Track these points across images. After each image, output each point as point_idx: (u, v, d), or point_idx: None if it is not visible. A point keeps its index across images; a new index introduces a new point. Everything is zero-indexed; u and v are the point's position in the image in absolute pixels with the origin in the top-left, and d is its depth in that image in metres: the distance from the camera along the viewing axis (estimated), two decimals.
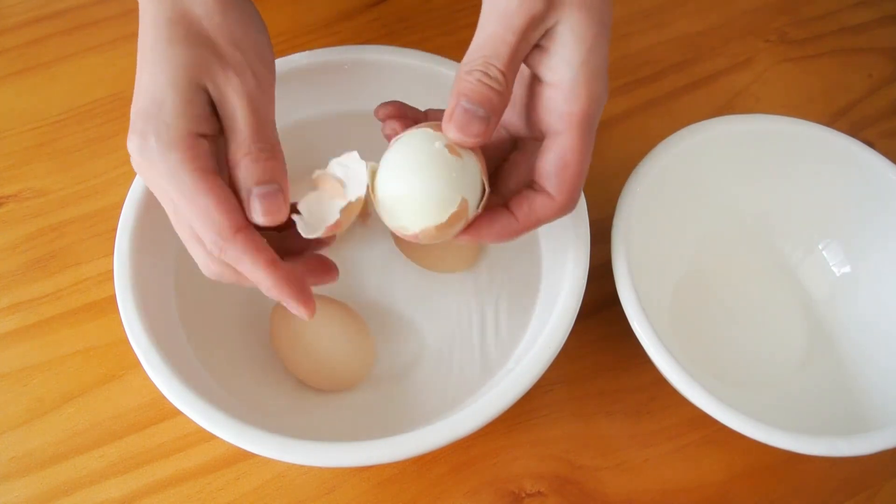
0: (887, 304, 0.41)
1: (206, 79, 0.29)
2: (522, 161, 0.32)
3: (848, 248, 0.43)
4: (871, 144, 0.42)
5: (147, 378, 0.33)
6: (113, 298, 0.35)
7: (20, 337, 0.43)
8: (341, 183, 0.30)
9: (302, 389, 0.40)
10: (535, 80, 0.30)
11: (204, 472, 0.39)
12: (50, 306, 0.44)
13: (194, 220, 0.28)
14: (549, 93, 0.29)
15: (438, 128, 0.29)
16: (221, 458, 0.40)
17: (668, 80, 0.53)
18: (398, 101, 0.33)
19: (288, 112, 0.40)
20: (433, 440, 0.32)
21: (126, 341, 0.34)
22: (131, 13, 0.53)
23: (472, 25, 0.29)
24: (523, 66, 0.30)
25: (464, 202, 0.29)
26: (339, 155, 0.31)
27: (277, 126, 0.32)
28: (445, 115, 0.29)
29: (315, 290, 0.41)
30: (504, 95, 0.28)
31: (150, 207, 0.37)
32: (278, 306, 0.40)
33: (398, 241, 0.44)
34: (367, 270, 0.44)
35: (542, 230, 0.40)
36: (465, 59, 0.29)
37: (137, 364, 0.33)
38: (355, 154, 0.31)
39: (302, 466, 0.39)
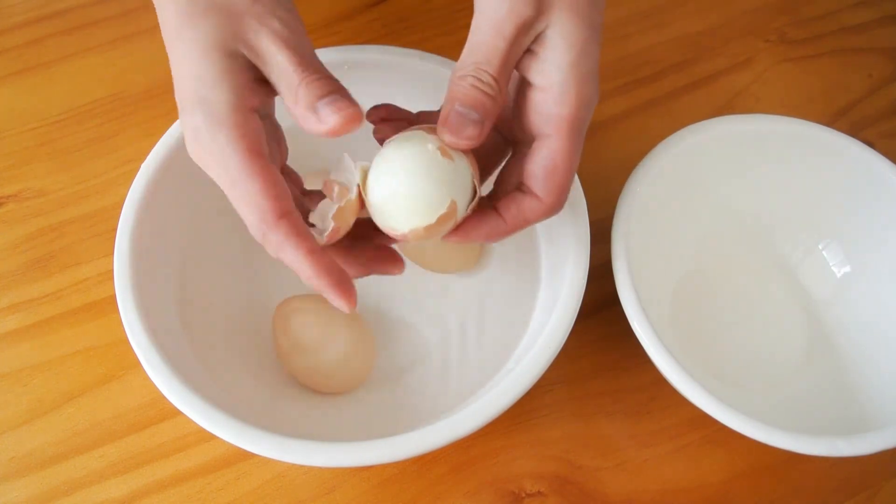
0: (887, 304, 0.41)
1: (237, 43, 0.28)
2: (516, 164, 0.32)
3: (848, 248, 0.43)
4: (871, 144, 0.42)
5: (147, 378, 0.33)
6: (113, 298, 0.35)
7: (20, 337, 0.43)
8: (346, 188, 0.30)
9: (302, 389, 0.40)
10: (525, 84, 0.30)
11: (204, 472, 0.39)
12: (50, 306, 0.44)
13: (239, 203, 0.28)
14: (539, 96, 0.29)
15: (431, 130, 0.29)
16: (221, 458, 0.40)
17: (668, 80, 0.53)
18: (390, 104, 0.33)
19: (288, 113, 0.40)
20: (433, 440, 0.32)
21: (126, 341, 0.34)
22: (131, 13, 0.54)
23: None
24: (515, 70, 0.30)
25: (453, 204, 0.29)
26: (338, 158, 0.31)
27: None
28: (440, 120, 0.29)
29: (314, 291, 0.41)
30: (496, 100, 0.29)
31: (151, 207, 0.37)
32: (281, 307, 0.40)
33: (412, 243, 0.44)
34: None
35: (542, 231, 0.40)
36: (458, 65, 0.29)
37: (137, 364, 0.33)
38: (346, 156, 0.31)
39: (302, 466, 0.39)
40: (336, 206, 0.29)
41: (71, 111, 0.50)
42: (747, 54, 0.54)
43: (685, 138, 0.41)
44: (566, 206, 0.37)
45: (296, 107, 0.28)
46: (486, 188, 0.33)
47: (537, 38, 0.29)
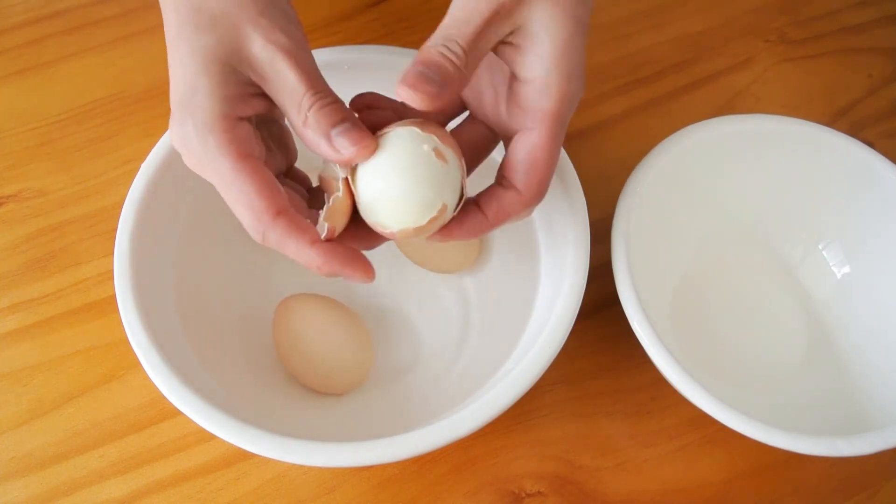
0: (887, 304, 0.41)
1: (238, 60, 0.28)
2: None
3: (848, 248, 0.43)
4: (871, 144, 0.42)
5: (147, 378, 0.33)
6: (113, 298, 0.35)
7: (20, 337, 0.43)
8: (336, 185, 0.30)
9: (302, 389, 0.40)
10: (512, 78, 0.30)
11: (204, 472, 0.39)
12: (50, 306, 0.44)
13: (234, 206, 0.28)
14: (523, 89, 0.29)
15: (426, 128, 0.29)
16: (221, 458, 0.40)
17: (668, 80, 0.53)
18: (374, 92, 0.33)
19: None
20: (433, 440, 0.32)
21: (126, 341, 0.34)
22: (131, 13, 0.54)
23: None
24: (503, 65, 0.30)
25: (444, 207, 0.29)
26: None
27: None
28: (398, 80, 0.28)
29: (315, 290, 0.41)
30: (461, 70, 0.28)
31: (150, 207, 0.37)
32: (281, 306, 0.40)
33: (399, 241, 0.44)
34: None
35: (542, 231, 0.40)
36: (430, 39, 0.29)
37: (137, 364, 0.33)
38: None
39: (302, 466, 0.39)
40: (325, 206, 0.29)
41: (71, 111, 0.50)
42: (747, 54, 0.54)
43: (685, 138, 0.41)
44: (566, 206, 0.37)
45: (304, 129, 0.28)
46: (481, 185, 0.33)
47: (521, 32, 0.29)
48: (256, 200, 0.28)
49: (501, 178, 0.31)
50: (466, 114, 0.34)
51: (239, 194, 0.28)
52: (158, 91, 0.50)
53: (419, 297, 0.44)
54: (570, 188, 0.38)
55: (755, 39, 0.55)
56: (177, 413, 0.32)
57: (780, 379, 0.42)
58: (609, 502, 0.39)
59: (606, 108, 0.52)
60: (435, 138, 0.29)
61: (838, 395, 0.40)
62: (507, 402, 0.33)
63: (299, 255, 0.28)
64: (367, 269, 0.29)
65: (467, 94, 0.33)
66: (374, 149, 0.28)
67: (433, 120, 0.31)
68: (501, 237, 0.44)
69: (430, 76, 0.28)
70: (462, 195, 0.30)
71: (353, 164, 0.29)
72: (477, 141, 0.33)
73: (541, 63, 0.28)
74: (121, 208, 0.36)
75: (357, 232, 0.31)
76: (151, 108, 0.50)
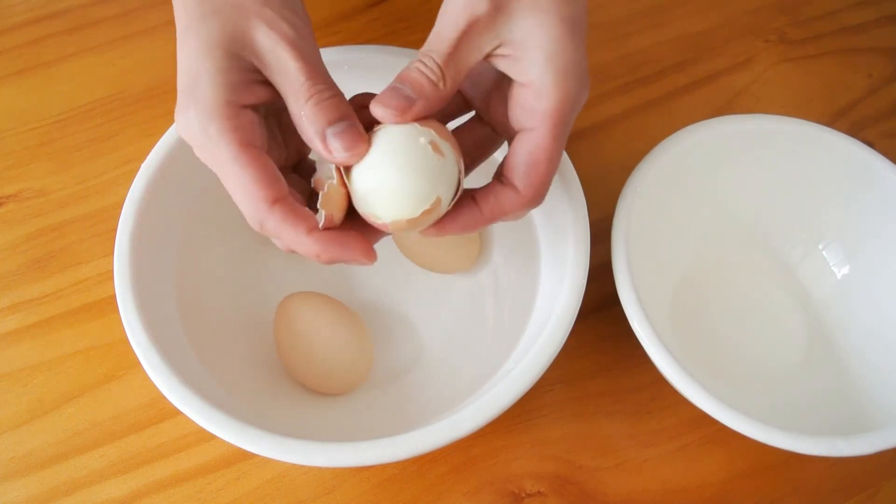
0: (887, 304, 0.41)
1: (241, 46, 0.28)
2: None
3: (848, 248, 0.43)
4: (871, 144, 0.42)
5: (147, 378, 0.33)
6: (113, 298, 0.35)
7: (20, 337, 0.43)
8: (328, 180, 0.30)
9: (302, 389, 0.40)
10: (514, 84, 0.30)
11: (204, 472, 0.39)
12: (50, 306, 0.44)
13: (233, 194, 0.28)
14: (522, 92, 0.30)
15: (424, 122, 0.29)
16: (221, 458, 0.40)
17: (668, 80, 0.53)
18: (369, 93, 0.33)
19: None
20: (433, 440, 0.32)
21: (126, 341, 0.34)
22: (131, 13, 0.54)
23: None
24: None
25: (438, 200, 0.29)
26: None
27: None
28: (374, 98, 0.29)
29: (315, 289, 0.41)
30: (437, 86, 0.29)
31: (151, 207, 0.37)
32: (281, 305, 0.40)
33: (398, 241, 0.44)
34: (367, 270, 0.44)
35: (542, 231, 0.40)
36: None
37: (137, 364, 0.33)
38: None
39: (302, 466, 0.39)
40: (321, 194, 0.29)
41: (71, 111, 0.50)
42: (747, 54, 0.54)
43: (685, 138, 0.41)
44: (566, 206, 0.37)
45: (301, 121, 0.28)
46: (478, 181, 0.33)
47: (509, 43, 0.29)
48: (254, 188, 0.28)
49: (501, 176, 0.31)
50: (472, 114, 0.34)
51: (237, 182, 0.28)
52: (158, 91, 0.51)
53: (419, 297, 0.44)
54: (570, 188, 0.38)
55: (755, 39, 0.55)
56: (177, 413, 0.32)
57: (780, 379, 0.42)
58: (609, 502, 0.39)
59: (606, 108, 0.52)
60: (432, 132, 0.29)
61: (838, 395, 0.40)
62: (507, 402, 0.33)
63: (297, 244, 0.28)
64: (368, 251, 0.29)
65: (473, 94, 0.33)
66: (365, 153, 0.29)
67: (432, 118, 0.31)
68: (502, 237, 0.44)
69: (403, 90, 0.29)
70: (458, 190, 0.30)
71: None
72: (479, 140, 0.34)
73: (533, 66, 0.29)
74: (121, 208, 0.36)
75: (354, 226, 0.31)
76: (151, 108, 0.50)
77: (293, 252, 0.30)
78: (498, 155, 0.34)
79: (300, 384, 0.40)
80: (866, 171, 0.41)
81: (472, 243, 0.44)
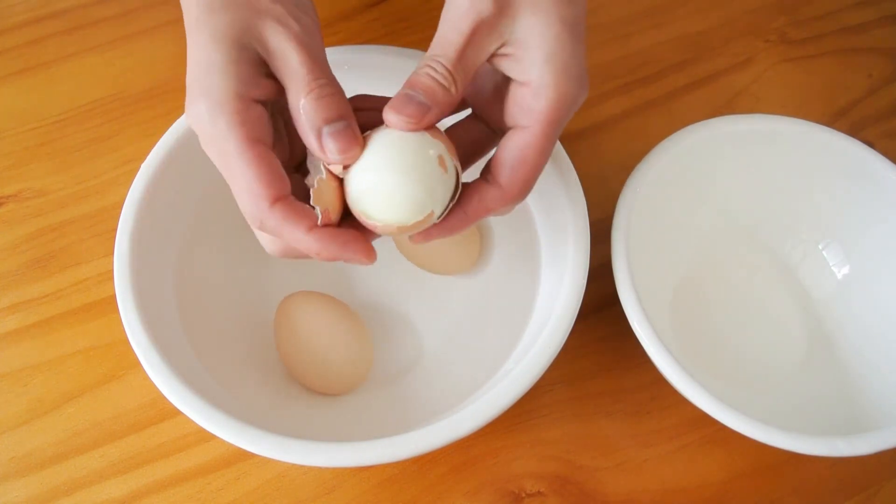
0: (887, 305, 0.41)
1: (250, 37, 0.28)
2: None
3: (848, 248, 0.43)
4: (871, 144, 0.42)
5: (147, 378, 0.33)
6: (113, 298, 0.35)
7: (20, 337, 0.43)
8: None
9: (302, 389, 0.40)
10: (513, 83, 0.30)
11: (204, 472, 0.39)
12: (50, 306, 0.44)
13: (235, 189, 0.28)
14: (520, 91, 0.30)
15: (435, 134, 0.29)
16: (221, 458, 0.40)
17: (668, 80, 0.53)
18: (363, 95, 0.33)
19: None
20: (433, 440, 0.32)
21: (126, 341, 0.34)
22: (131, 13, 0.54)
23: None
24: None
25: (431, 213, 0.29)
26: None
27: None
28: (387, 105, 0.29)
29: (316, 289, 0.41)
30: (448, 91, 0.29)
31: (151, 207, 0.37)
32: (282, 305, 0.40)
33: (399, 243, 0.44)
34: (367, 272, 0.44)
35: (542, 231, 0.40)
36: (420, 61, 0.30)
37: (137, 364, 0.33)
38: None
39: (302, 466, 0.39)
40: (311, 190, 0.29)
41: (71, 111, 0.50)
42: (747, 54, 0.54)
43: (685, 138, 0.41)
44: (566, 205, 0.37)
45: (298, 114, 0.28)
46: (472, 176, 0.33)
47: (511, 43, 0.29)
48: (256, 186, 0.28)
49: (487, 173, 0.31)
50: (469, 111, 0.34)
51: (240, 178, 0.28)
52: (158, 91, 0.50)
53: (419, 297, 0.44)
54: (570, 188, 0.38)
55: (755, 39, 0.55)
56: (177, 413, 0.32)
57: (780, 379, 0.42)
58: (609, 502, 0.39)
59: (606, 108, 0.52)
60: (442, 145, 0.29)
61: (838, 395, 0.40)
62: (507, 402, 0.33)
63: (297, 242, 0.28)
64: (368, 251, 0.29)
65: (470, 92, 0.33)
66: (358, 156, 0.29)
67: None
68: (502, 238, 0.44)
69: (416, 97, 0.29)
70: (450, 204, 0.30)
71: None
72: (476, 139, 0.34)
73: (532, 66, 0.29)
74: (121, 208, 0.36)
75: (354, 225, 0.31)
76: (151, 108, 0.50)
77: (287, 257, 0.31)
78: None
79: (300, 384, 0.40)
80: (866, 171, 0.41)
81: (472, 245, 0.44)
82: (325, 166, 0.29)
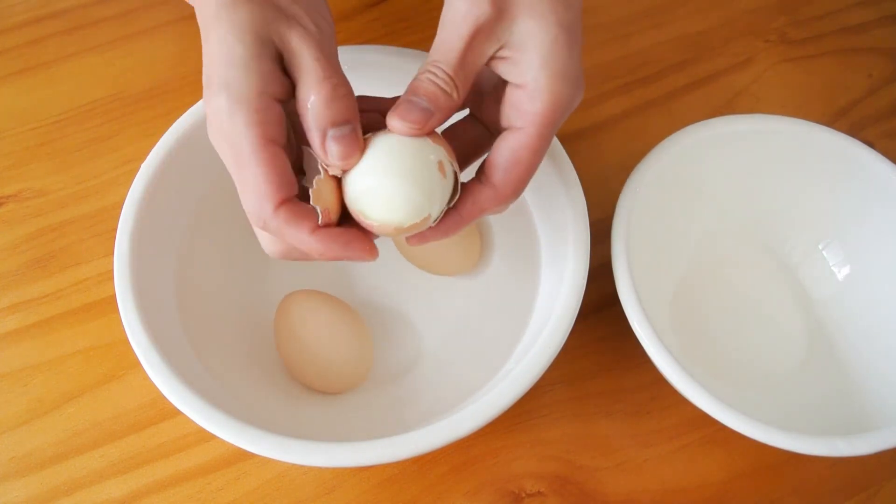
0: (888, 305, 0.41)
1: (271, 32, 0.28)
2: None
3: (848, 248, 0.43)
4: (871, 144, 0.42)
5: (147, 378, 0.33)
6: (113, 298, 0.35)
7: (20, 337, 0.43)
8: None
9: (302, 389, 0.40)
10: (509, 85, 0.31)
11: (204, 472, 0.39)
12: (50, 306, 0.44)
13: (240, 187, 0.28)
14: (516, 93, 0.30)
15: (436, 139, 0.30)
16: (221, 458, 0.40)
17: (668, 80, 0.53)
18: (362, 96, 0.33)
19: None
20: (433, 440, 0.32)
21: (126, 341, 0.34)
22: (131, 13, 0.54)
23: None
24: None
25: (428, 217, 0.29)
26: None
27: None
28: (390, 111, 0.29)
29: (316, 288, 0.41)
30: (451, 96, 0.29)
31: (150, 207, 0.37)
32: (282, 304, 0.40)
33: (399, 244, 0.44)
34: (367, 272, 0.44)
35: (542, 231, 0.40)
36: (421, 66, 0.30)
37: (137, 364, 0.33)
38: None
39: (302, 466, 0.39)
40: (310, 190, 0.29)
41: (71, 111, 0.50)
42: (747, 54, 0.54)
43: (685, 138, 0.41)
44: (566, 205, 0.37)
45: (305, 112, 0.28)
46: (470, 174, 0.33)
47: (508, 46, 0.29)
48: (265, 187, 0.28)
49: (481, 174, 0.31)
50: (466, 112, 0.34)
51: (249, 177, 0.28)
52: (158, 91, 0.50)
53: (420, 297, 0.44)
54: (570, 188, 0.38)
55: (755, 39, 0.55)
56: (177, 413, 0.32)
57: (780, 379, 0.42)
58: (609, 502, 0.39)
59: (606, 108, 0.52)
60: (442, 150, 0.29)
61: (838, 395, 0.40)
62: (507, 402, 0.33)
63: (300, 243, 0.28)
64: (370, 249, 0.29)
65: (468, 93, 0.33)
66: (357, 162, 0.29)
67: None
68: (502, 238, 0.44)
69: (420, 104, 0.29)
70: (446, 208, 0.30)
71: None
72: (474, 139, 0.34)
73: (528, 68, 0.29)
74: (121, 208, 0.36)
75: (354, 224, 0.31)
76: (151, 108, 0.50)
77: (286, 258, 0.31)
78: None
79: (300, 383, 0.40)
80: (866, 171, 0.41)
81: (472, 246, 0.44)
82: (322, 166, 0.29)
